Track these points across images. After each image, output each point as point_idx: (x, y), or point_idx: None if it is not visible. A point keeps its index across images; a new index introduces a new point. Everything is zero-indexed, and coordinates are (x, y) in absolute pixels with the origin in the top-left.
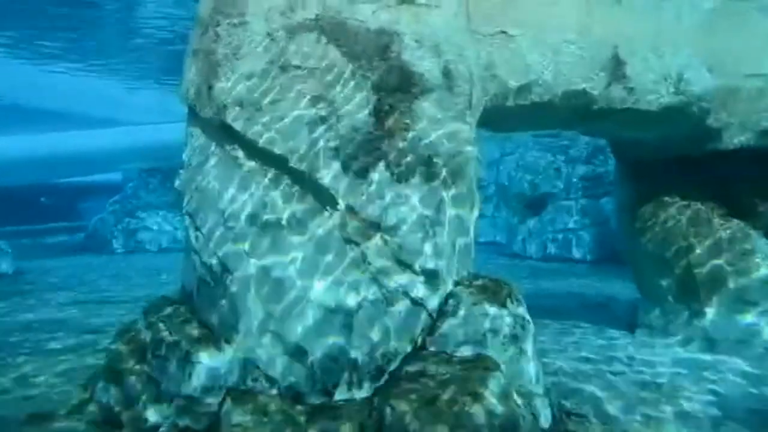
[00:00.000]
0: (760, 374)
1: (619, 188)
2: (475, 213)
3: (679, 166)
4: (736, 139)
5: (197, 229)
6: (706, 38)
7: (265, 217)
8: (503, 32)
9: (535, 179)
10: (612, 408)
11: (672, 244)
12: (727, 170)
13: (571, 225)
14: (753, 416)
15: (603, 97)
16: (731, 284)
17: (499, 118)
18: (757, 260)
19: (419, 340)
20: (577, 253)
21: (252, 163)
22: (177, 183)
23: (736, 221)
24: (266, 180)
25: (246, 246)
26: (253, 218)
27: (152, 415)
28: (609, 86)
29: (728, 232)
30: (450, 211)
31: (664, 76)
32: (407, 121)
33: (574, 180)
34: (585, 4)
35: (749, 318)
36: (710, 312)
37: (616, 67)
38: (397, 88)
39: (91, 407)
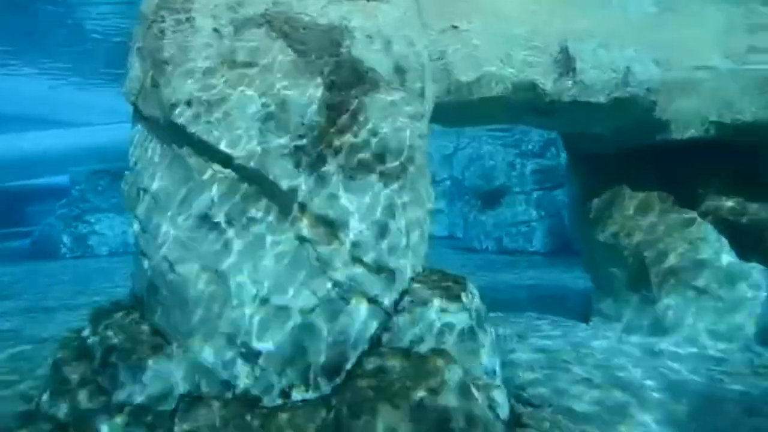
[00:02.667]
0: (706, 358)
1: (571, 181)
2: (429, 208)
3: (630, 157)
4: (683, 130)
5: (146, 231)
6: (653, 31)
7: (216, 217)
8: (454, 27)
9: (489, 173)
10: (568, 397)
11: (623, 234)
12: (676, 161)
13: (525, 218)
14: (699, 400)
15: (553, 90)
16: (681, 272)
17: (452, 112)
18: (706, 248)
19: (376, 337)
20: (532, 245)
21: (201, 163)
22: (123, 185)
23: (685, 210)
24: (216, 180)
25: (196, 248)
26: (202, 219)
27: (103, 427)
28: (559, 80)
29: (678, 221)
30: (404, 207)
31: (613, 69)
32: (359, 117)
33: (528, 173)
34: None
35: (698, 304)
36: (661, 299)
37: (566, 61)
38: (349, 83)
39: (39, 421)
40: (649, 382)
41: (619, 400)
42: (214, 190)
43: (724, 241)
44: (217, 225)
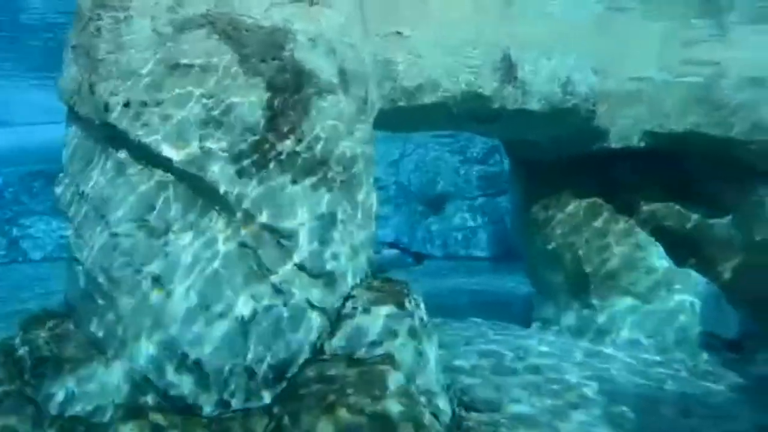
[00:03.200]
0: (644, 361)
1: (513, 187)
2: (373, 214)
3: (570, 165)
4: (620, 139)
5: (80, 237)
6: (593, 42)
7: (154, 223)
8: (398, 33)
9: (435, 179)
10: (510, 401)
11: (563, 241)
12: (614, 169)
13: (469, 224)
14: (638, 401)
15: (496, 98)
16: (619, 277)
17: (396, 118)
18: (643, 254)
19: (318, 344)
20: (476, 251)
21: (138, 167)
22: (57, 189)
23: (623, 218)
24: (154, 184)
25: (133, 254)
26: (140, 225)
27: None
28: (501, 87)
29: (616, 228)
30: (347, 213)
31: (554, 78)
32: (302, 121)
33: (472, 179)
34: (478, 6)
35: (636, 309)
36: (600, 304)
37: (508, 69)
38: (292, 87)
39: None
40: (589, 385)
41: (560, 403)
42: (152, 195)
43: (661, 247)
44: (154, 230)
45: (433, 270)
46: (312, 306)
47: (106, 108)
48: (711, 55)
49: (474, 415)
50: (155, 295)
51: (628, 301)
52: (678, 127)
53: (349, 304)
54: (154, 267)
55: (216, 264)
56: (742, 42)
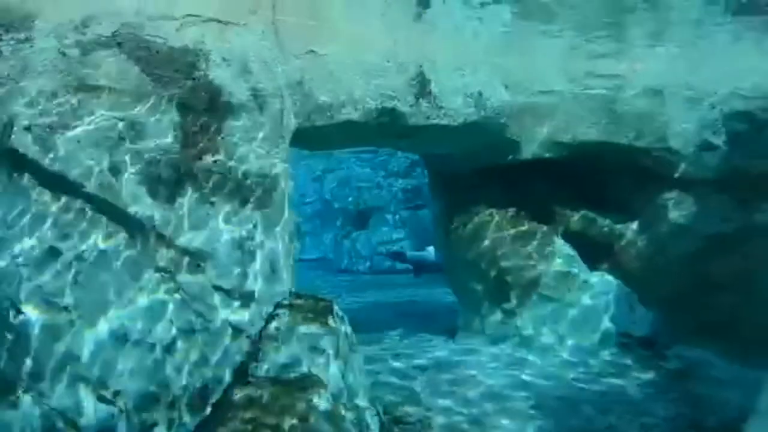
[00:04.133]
0: (563, 364)
1: (434, 200)
2: (292, 232)
3: (487, 176)
4: (532, 150)
5: None
6: (502, 57)
7: (62, 250)
8: (313, 51)
9: (358, 194)
10: (437, 411)
11: (482, 250)
12: (528, 179)
13: (394, 237)
14: (559, 403)
15: (411, 113)
16: (537, 285)
17: (313, 136)
18: (560, 261)
19: (242, 366)
20: (401, 264)
21: (45, 192)
22: None
23: (539, 226)
24: (62, 209)
25: (41, 283)
26: (48, 252)
27: None
28: (416, 103)
29: (533, 236)
30: (265, 232)
31: (466, 93)
32: (217, 141)
33: (394, 193)
34: (390, 24)
35: (554, 314)
36: (520, 311)
37: (422, 85)
38: (205, 107)
39: None
40: (513, 391)
41: (485, 410)
42: (61, 221)
43: (575, 253)
44: (64, 258)
45: (359, 285)
46: (233, 328)
47: (10, 132)
48: (614, 68)
49: (402, 427)
50: (67, 327)
51: (547, 305)
52: (586, 137)
53: (272, 325)
54: (65, 297)
55: (131, 291)
56: (643, 55)
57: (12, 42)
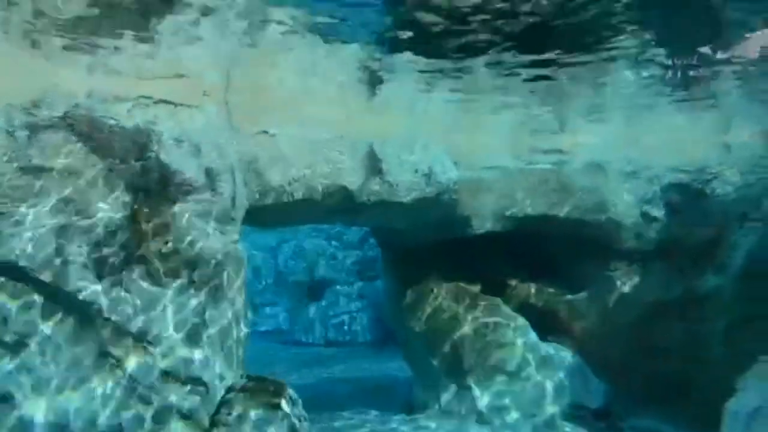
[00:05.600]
0: None
1: (386, 274)
2: (243, 313)
3: (438, 250)
4: (482, 225)
5: None
6: (451, 135)
7: (5, 337)
8: (265, 131)
9: (312, 265)
10: None
11: (435, 324)
12: (479, 252)
13: (349, 308)
14: None
15: (362, 191)
16: (490, 357)
17: (265, 214)
18: (512, 333)
19: None
20: (357, 336)
21: None
22: None
23: (490, 298)
24: (7, 296)
25: None
26: None
27: None
28: (367, 181)
29: (485, 308)
30: (216, 314)
31: (416, 169)
32: (167, 223)
33: (349, 264)
34: (341, 104)
35: (508, 387)
36: (474, 385)
37: (373, 163)
38: (156, 188)
39: None
40: None
41: None
42: (5, 307)
43: (527, 324)
44: (7, 345)
45: (314, 358)
46: (183, 416)
47: None
48: (556, 143)
49: None
50: (12, 416)
51: (500, 379)
52: (532, 210)
53: (223, 410)
54: (9, 385)
55: (77, 379)
56: (580, 131)
57: None
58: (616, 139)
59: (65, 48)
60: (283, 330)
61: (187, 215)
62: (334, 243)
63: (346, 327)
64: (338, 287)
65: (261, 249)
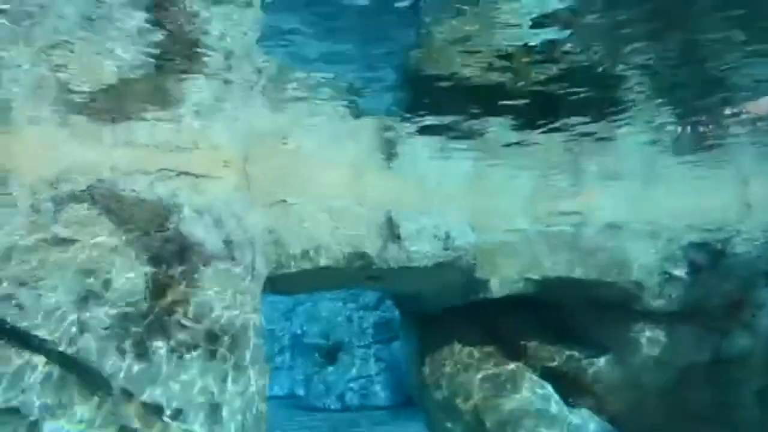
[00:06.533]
0: None
1: (405, 338)
2: (263, 385)
3: (457, 315)
4: (502, 288)
5: None
6: (468, 199)
7: (27, 410)
8: (284, 201)
9: (328, 328)
10: None
11: (457, 391)
12: (499, 316)
13: (366, 372)
14: None
15: (380, 258)
16: (514, 424)
17: (284, 283)
18: (534, 398)
19: None
20: (375, 400)
21: (10, 349)
22: None
23: (512, 363)
24: (27, 367)
25: None
26: (11, 413)
27: None
28: (385, 247)
29: (507, 374)
30: (237, 386)
31: (434, 235)
32: (188, 294)
33: (366, 327)
34: (358, 171)
35: None
36: None
37: (391, 229)
38: (176, 259)
39: None
40: None
41: None
42: (26, 380)
43: (550, 389)
44: (28, 419)
45: (331, 426)
46: None
47: None
48: (573, 205)
49: None
50: None
51: None
52: (551, 273)
53: None
54: None
55: None
56: (597, 192)
57: None
58: (634, 200)
59: (88, 122)
60: (299, 395)
61: (206, 285)
62: (350, 305)
63: (363, 391)
64: (355, 350)
65: (276, 311)
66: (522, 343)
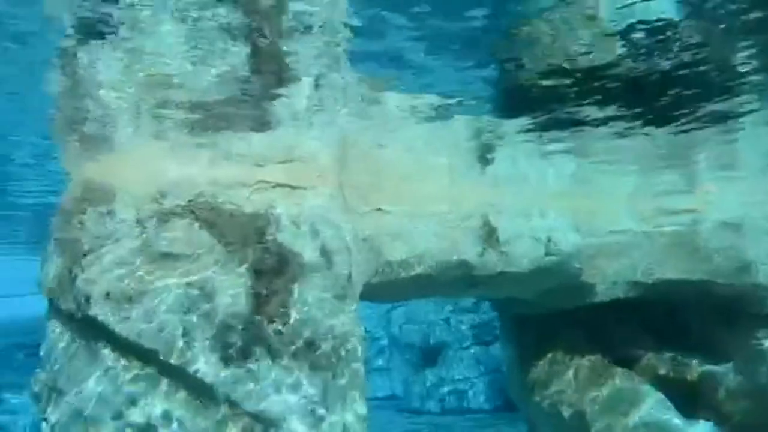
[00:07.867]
0: None
1: (506, 343)
2: (363, 394)
3: (561, 319)
4: (608, 292)
5: None
6: (570, 200)
7: (133, 418)
8: (379, 209)
9: (426, 330)
10: None
11: (563, 399)
12: (608, 321)
13: (465, 375)
14: None
15: (479, 263)
16: None
17: (382, 291)
18: (647, 408)
19: None
20: (474, 404)
21: (120, 360)
22: (34, 385)
23: (621, 371)
24: (136, 377)
25: None
26: (120, 421)
27: None
28: (484, 253)
29: (616, 382)
30: (338, 394)
31: (535, 238)
32: (287, 304)
33: (464, 329)
34: (453, 177)
35: None
36: None
37: (489, 234)
38: (275, 270)
39: None
40: None
41: None
42: (135, 391)
43: (665, 400)
44: (136, 427)
45: (432, 429)
46: None
47: (88, 300)
48: (684, 203)
49: None
50: None
51: None
52: (662, 275)
53: None
54: None
55: None
56: (712, 188)
57: (94, 215)
58: (754, 194)
59: (188, 137)
60: (398, 396)
61: (305, 295)
62: (447, 307)
63: (463, 394)
64: (454, 352)
65: (374, 314)
66: (631, 349)
